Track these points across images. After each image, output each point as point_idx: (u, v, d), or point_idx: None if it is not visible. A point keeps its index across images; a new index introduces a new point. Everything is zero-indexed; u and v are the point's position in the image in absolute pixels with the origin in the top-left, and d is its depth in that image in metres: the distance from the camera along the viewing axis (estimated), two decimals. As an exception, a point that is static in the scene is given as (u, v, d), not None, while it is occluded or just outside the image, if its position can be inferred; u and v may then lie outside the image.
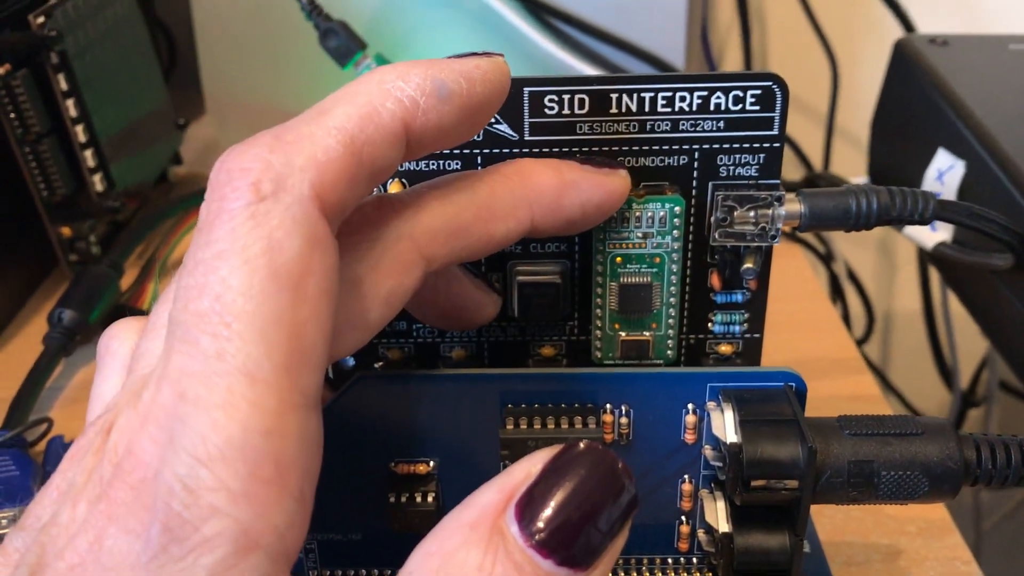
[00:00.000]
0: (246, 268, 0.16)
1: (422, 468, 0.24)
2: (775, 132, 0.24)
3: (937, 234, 0.38)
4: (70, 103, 0.43)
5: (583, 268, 0.25)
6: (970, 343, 0.67)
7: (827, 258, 0.62)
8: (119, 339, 0.22)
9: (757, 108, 0.23)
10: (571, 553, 0.17)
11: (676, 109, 0.23)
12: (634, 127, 0.23)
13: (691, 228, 0.25)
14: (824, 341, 0.42)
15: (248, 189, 0.17)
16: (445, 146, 0.20)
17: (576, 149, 0.24)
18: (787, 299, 0.44)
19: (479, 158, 0.24)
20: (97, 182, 0.45)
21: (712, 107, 0.23)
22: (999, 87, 0.42)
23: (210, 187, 0.17)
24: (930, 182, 0.40)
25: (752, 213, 0.24)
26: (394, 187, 0.24)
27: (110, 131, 0.46)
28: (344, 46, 0.44)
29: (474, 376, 0.24)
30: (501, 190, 0.21)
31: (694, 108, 0.23)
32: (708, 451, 0.24)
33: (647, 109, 0.23)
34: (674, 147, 0.24)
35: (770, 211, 0.24)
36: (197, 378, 0.16)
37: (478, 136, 0.24)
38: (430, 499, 0.24)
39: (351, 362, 0.26)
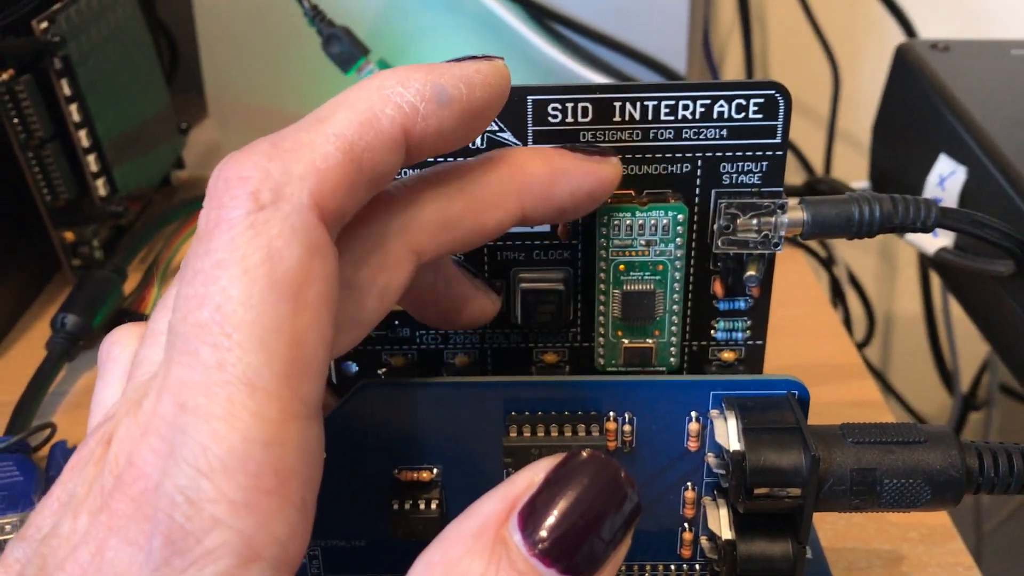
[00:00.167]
0: (246, 278, 0.16)
1: (426, 475, 0.24)
2: (778, 140, 0.24)
3: (939, 240, 0.38)
4: (73, 108, 0.43)
5: (586, 275, 0.25)
6: (971, 347, 0.67)
7: (828, 262, 0.62)
8: (120, 345, 0.22)
9: (760, 116, 0.23)
10: (574, 562, 0.17)
11: (679, 117, 0.23)
12: (637, 135, 0.24)
13: (694, 236, 0.25)
14: (826, 347, 0.42)
15: (247, 198, 0.17)
16: (445, 151, 0.20)
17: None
18: (789, 304, 0.44)
19: (483, 166, 0.24)
20: (100, 186, 0.45)
21: (715, 115, 0.23)
22: (1000, 92, 0.42)
23: (208, 195, 0.17)
24: (931, 187, 0.40)
25: (755, 221, 0.24)
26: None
27: (113, 135, 0.46)
28: (347, 52, 0.44)
29: (478, 384, 0.24)
30: (491, 179, 0.21)
31: (697, 116, 0.23)
32: (711, 459, 0.24)
33: (650, 117, 0.23)
34: (677, 155, 0.24)
35: (773, 219, 0.24)
36: (197, 388, 0.16)
37: (481, 143, 0.24)
38: (434, 506, 0.24)
39: (354, 369, 0.27)
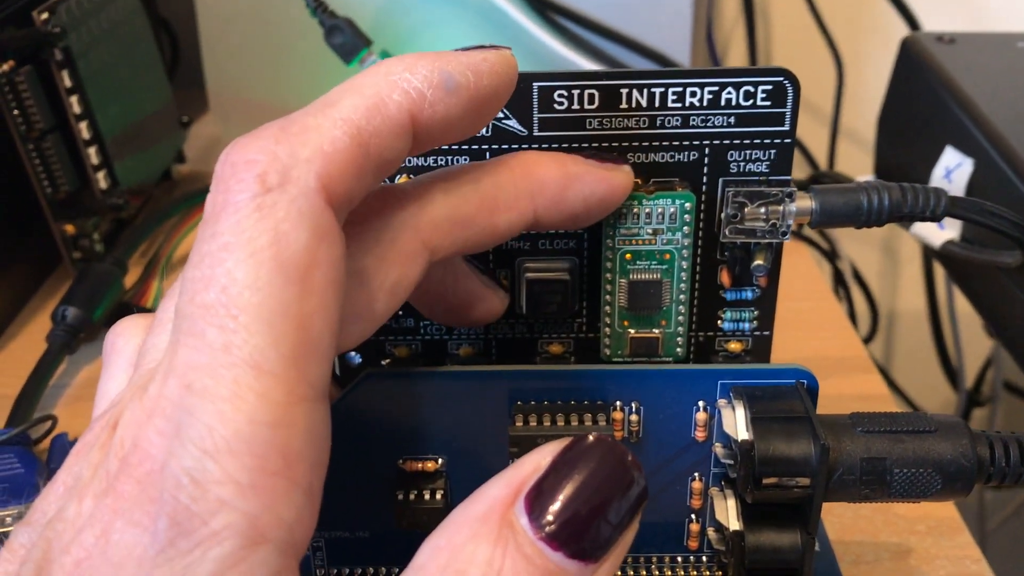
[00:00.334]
0: (252, 260, 0.16)
1: (430, 465, 0.24)
2: (786, 128, 0.23)
3: (945, 232, 0.38)
4: (74, 100, 0.43)
5: (592, 265, 0.25)
6: (975, 342, 0.67)
7: (832, 256, 0.62)
8: (125, 337, 0.21)
9: (768, 104, 0.23)
10: (581, 546, 0.17)
11: (687, 104, 0.23)
12: (644, 123, 0.23)
13: (701, 224, 0.24)
14: (831, 340, 0.42)
15: (254, 181, 0.17)
16: (452, 139, 0.20)
17: (586, 145, 0.23)
18: (794, 297, 0.44)
19: (488, 153, 0.24)
20: (101, 179, 0.44)
21: (723, 103, 0.23)
22: (1007, 85, 0.42)
23: (215, 180, 0.17)
24: (938, 180, 0.40)
25: (763, 209, 0.24)
26: (402, 181, 0.24)
27: (114, 128, 0.46)
28: (349, 43, 0.44)
29: (483, 373, 0.23)
30: (505, 181, 0.21)
31: (705, 104, 0.23)
32: (719, 449, 0.24)
33: (657, 104, 0.23)
34: (684, 143, 0.24)
35: (781, 207, 0.24)
36: (204, 370, 0.16)
37: (487, 131, 0.23)
38: (438, 496, 0.24)
39: (358, 359, 0.26)
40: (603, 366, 0.25)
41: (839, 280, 0.63)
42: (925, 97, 0.42)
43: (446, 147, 0.24)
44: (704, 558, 0.25)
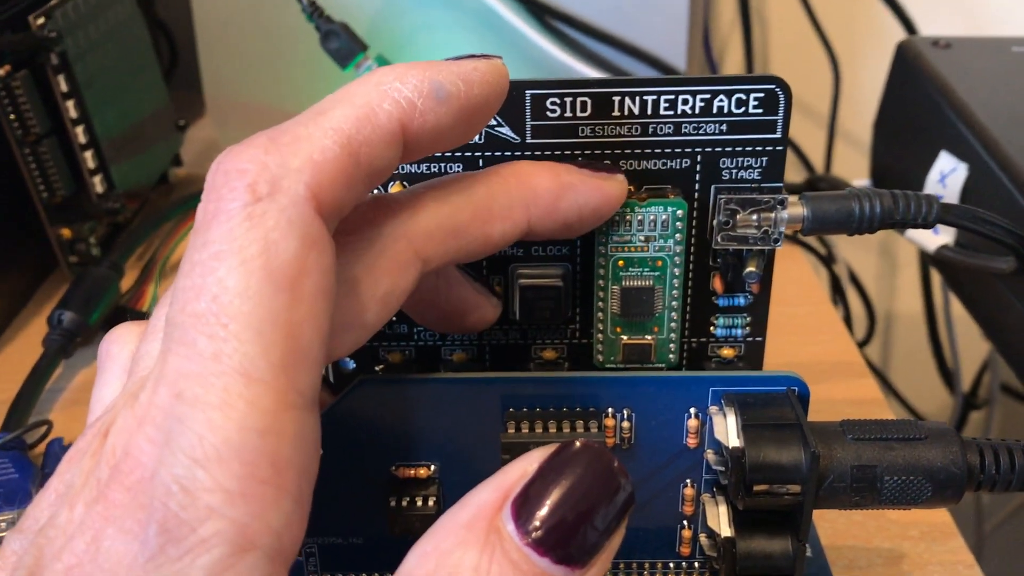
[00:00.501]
0: (243, 269, 0.16)
1: (423, 472, 0.24)
2: (778, 135, 0.23)
3: (939, 237, 0.38)
4: (70, 104, 0.43)
5: (585, 271, 0.25)
6: (971, 345, 0.67)
7: (828, 260, 0.62)
8: (119, 343, 0.21)
9: (760, 111, 0.23)
10: (568, 551, 0.17)
11: (679, 112, 0.23)
12: (636, 130, 0.23)
13: (693, 231, 0.24)
14: (826, 345, 0.42)
15: (244, 190, 0.17)
16: (443, 148, 0.20)
17: (578, 152, 0.24)
18: (789, 302, 0.44)
19: (480, 161, 0.24)
20: (97, 183, 0.44)
21: (715, 110, 0.23)
22: (1002, 90, 0.42)
23: (206, 188, 0.17)
24: (932, 185, 0.40)
25: (755, 216, 0.24)
26: (395, 189, 0.24)
27: (110, 132, 0.46)
28: (345, 48, 0.44)
29: (475, 380, 0.23)
30: (498, 191, 0.21)
31: (696, 111, 0.23)
32: (710, 455, 0.24)
33: (649, 112, 0.23)
34: (676, 150, 0.24)
35: (773, 214, 0.24)
36: (194, 379, 0.16)
37: (480, 139, 0.24)
38: (431, 503, 0.24)
39: (351, 365, 0.26)
40: (595, 373, 0.25)
41: (836, 285, 0.63)
42: (920, 101, 0.42)
43: (439, 155, 0.24)
44: (696, 564, 0.25)
